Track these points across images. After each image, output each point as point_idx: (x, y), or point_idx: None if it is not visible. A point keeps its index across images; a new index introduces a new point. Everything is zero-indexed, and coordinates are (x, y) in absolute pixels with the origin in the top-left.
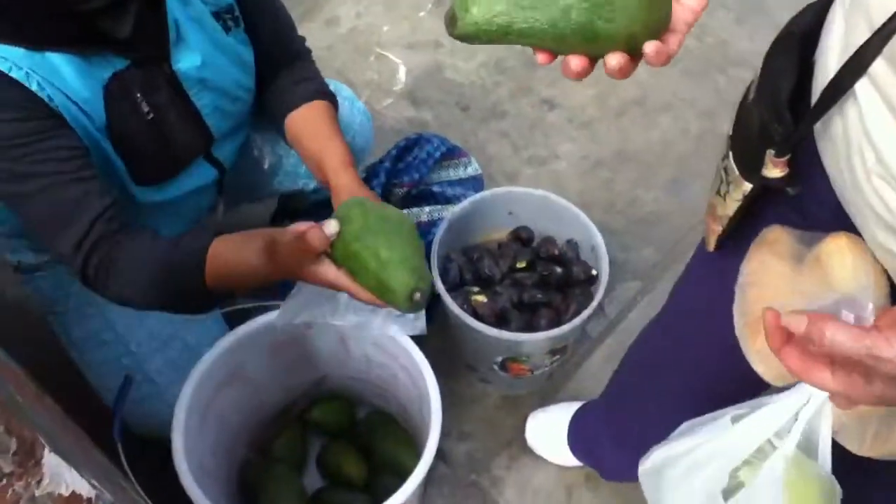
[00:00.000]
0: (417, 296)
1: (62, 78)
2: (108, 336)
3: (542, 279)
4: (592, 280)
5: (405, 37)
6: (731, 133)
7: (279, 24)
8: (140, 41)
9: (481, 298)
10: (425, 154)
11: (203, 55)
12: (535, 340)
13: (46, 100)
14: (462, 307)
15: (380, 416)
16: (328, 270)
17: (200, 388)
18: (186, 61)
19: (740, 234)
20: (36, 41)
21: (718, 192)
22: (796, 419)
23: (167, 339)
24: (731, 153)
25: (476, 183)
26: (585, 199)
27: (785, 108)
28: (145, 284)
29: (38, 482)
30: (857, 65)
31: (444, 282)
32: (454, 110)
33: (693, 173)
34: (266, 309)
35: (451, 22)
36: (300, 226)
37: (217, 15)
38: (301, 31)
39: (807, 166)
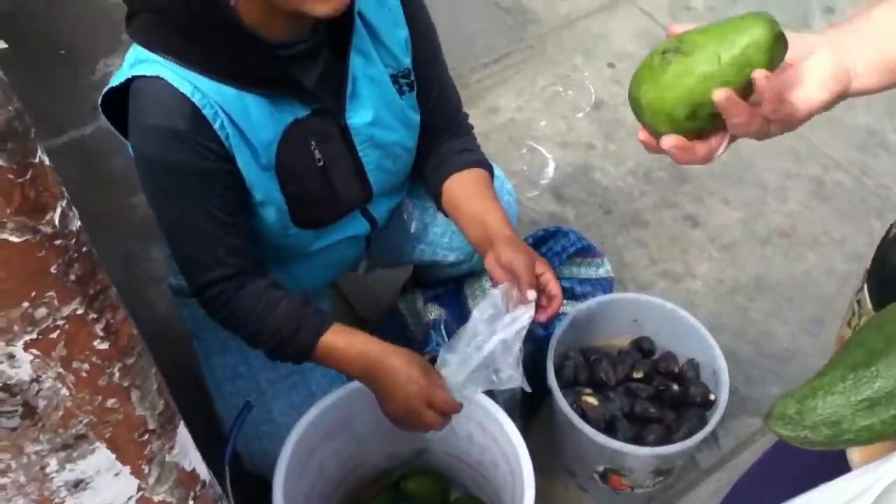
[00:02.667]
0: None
1: (249, 116)
2: (242, 370)
3: (657, 393)
4: (709, 405)
5: (560, 135)
6: (868, 267)
7: (448, 96)
8: (322, 92)
9: (592, 400)
10: (560, 247)
11: (375, 113)
12: (641, 455)
13: (223, 138)
14: (571, 406)
15: (472, 501)
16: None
17: (308, 434)
18: (359, 117)
19: None
20: (239, 80)
21: (849, 325)
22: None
23: (294, 384)
24: (866, 286)
25: (606, 284)
26: (716, 321)
27: None
28: (256, 334)
29: (171, 448)
30: None
31: (557, 378)
32: (596, 212)
33: (834, 315)
34: None
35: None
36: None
37: (395, 78)
38: None
39: None
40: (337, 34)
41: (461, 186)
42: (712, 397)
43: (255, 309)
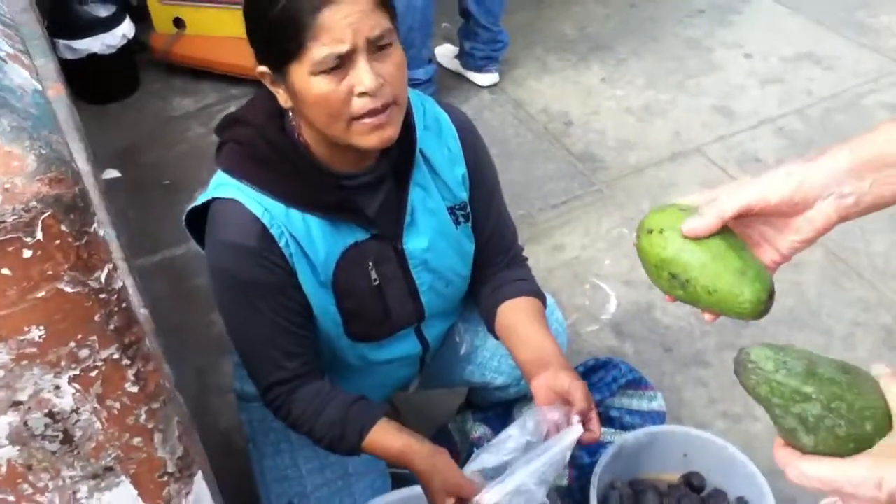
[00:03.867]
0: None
1: (310, 237)
2: (291, 473)
3: None
4: None
5: (623, 274)
6: None
7: (503, 229)
8: (381, 219)
9: None
10: (611, 378)
11: (430, 241)
12: None
13: (288, 255)
14: None
15: None
16: None
17: None
18: (414, 243)
19: None
20: (305, 205)
21: None
22: None
23: (338, 490)
24: None
25: (658, 418)
26: (776, 466)
27: None
28: (309, 433)
29: (187, 494)
30: None
31: None
32: (656, 349)
33: None
34: None
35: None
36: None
37: (451, 209)
38: (527, 252)
39: None
40: (399, 168)
41: (515, 312)
42: None
43: (303, 415)
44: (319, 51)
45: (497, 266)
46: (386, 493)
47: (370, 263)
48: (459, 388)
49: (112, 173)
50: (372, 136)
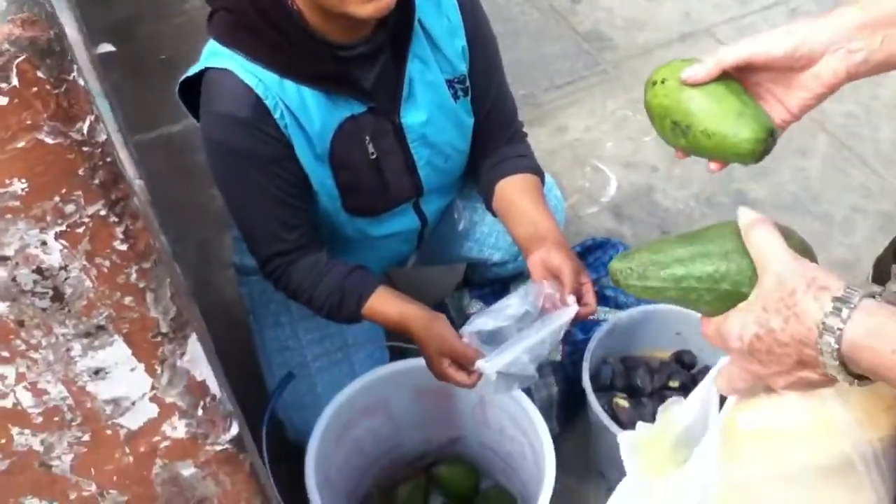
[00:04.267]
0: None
1: (306, 109)
2: (292, 343)
3: None
4: None
5: (625, 156)
6: None
7: (503, 104)
8: (378, 92)
9: (624, 403)
10: (608, 258)
11: (428, 114)
12: None
13: (283, 127)
14: (604, 408)
15: (501, 492)
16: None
17: (345, 407)
18: (412, 117)
19: None
20: (299, 76)
21: None
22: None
23: (338, 361)
24: None
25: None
26: None
27: None
28: (309, 302)
29: (182, 355)
30: None
31: (594, 382)
32: (654, 232)
33: None
34: None
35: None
36: (453, 369)
37: (450, 83)
38: (529, 133)
39: None
40: (397, 39)
41: (514, 188)
42: None
43: (301, 285)
44: None
45: (497, 141)
46: (384, 363)
47: (367, 137)
48: (457, 264)
49: (106, 47)
50: (368, 6)
